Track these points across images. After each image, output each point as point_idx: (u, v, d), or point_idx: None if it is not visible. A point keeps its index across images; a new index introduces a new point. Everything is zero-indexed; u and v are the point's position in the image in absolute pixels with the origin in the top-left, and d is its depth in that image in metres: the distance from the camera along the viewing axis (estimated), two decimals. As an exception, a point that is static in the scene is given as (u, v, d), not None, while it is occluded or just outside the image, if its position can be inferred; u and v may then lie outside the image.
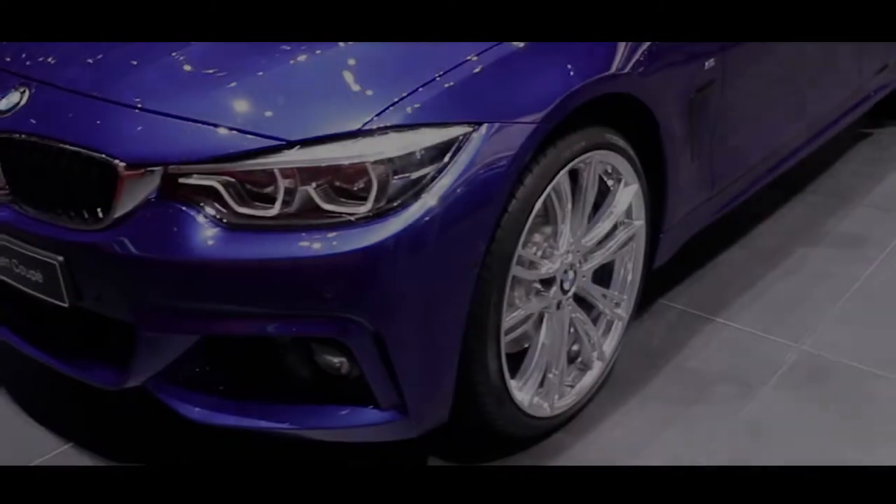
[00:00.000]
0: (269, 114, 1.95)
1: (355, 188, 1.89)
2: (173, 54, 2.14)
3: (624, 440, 2.35)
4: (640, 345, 2.69)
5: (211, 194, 1.94)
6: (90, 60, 2.22)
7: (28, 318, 2.34)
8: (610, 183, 2.36)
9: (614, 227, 2.39)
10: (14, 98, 2.17)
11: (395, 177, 1.88)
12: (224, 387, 2.08)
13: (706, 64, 2.53)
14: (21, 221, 2.13)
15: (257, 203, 1.92)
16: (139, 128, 1.99)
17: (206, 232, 1.92)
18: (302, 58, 2.08)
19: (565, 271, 2.26)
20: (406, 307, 1.91)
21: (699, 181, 2.68)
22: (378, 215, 1.87)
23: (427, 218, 1.88)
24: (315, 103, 1.97)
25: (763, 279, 3.06)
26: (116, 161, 1.95)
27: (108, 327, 2.12)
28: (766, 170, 3.11)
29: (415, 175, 1.89)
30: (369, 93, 1.96)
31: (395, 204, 1.88)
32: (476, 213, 1.95)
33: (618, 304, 2.49)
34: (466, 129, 1.94)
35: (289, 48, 2.10)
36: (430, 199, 1.89)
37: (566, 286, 2.28)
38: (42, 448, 2.36)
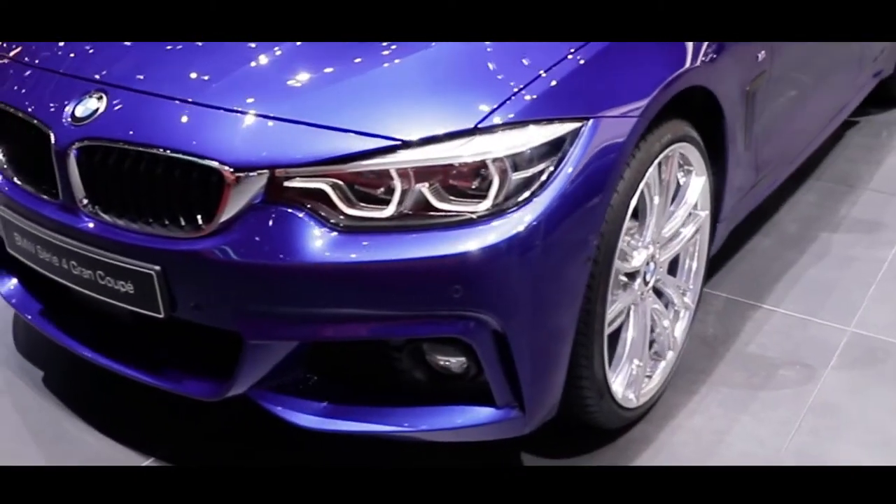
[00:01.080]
0: (380, 114, 1.93)
1: (473, 186, 1.89)
2: (264, 55, 2.10)
3: (706, 427, 2.39)
4: (697, 334, 2.74)
5: (318, 197, 1.91)
6: (168, 62, 2.16)
7: (104, 331, 2.28)
8: (682, 175, 2.40)
9: (685, 218, 2.44)
10: (91, 104, 2.10)
11: (514, 173, 1.88)
12: (331, 392, 2.05)
13: (759, 56, 2.59)
14: (107, 231, 2.06)
15: (368, 204, 1.91)
16: (245, 131, 1.94)
17: (317, 235, 1.89)
18: (401, 57, 2.05)
19: (647, 263, 2.29)
20: (529, 302, 1.91)
21: (748, 170, 2.74)
22: (500, 212, 1.87)
23: (548, 213, 1.88)
24: (424, 102, 1.95)
25: (795, 265, 3.15)
26: (223, 166, 1.90)
27: (207, 337, 2.08)
28: (797, 157, 3.21)
29: (532, 171, 1.89)
30: (479, 91, 1.95)
31: (516, 200, 1.88)
32: (589, 208, 1.96)
33: (685, 294, 2.53)
34: (576, 124, 1.95)
35: (384, 47, 2.08)
36: (549, 195, 1.89)
37: (648, 277, 2.31)
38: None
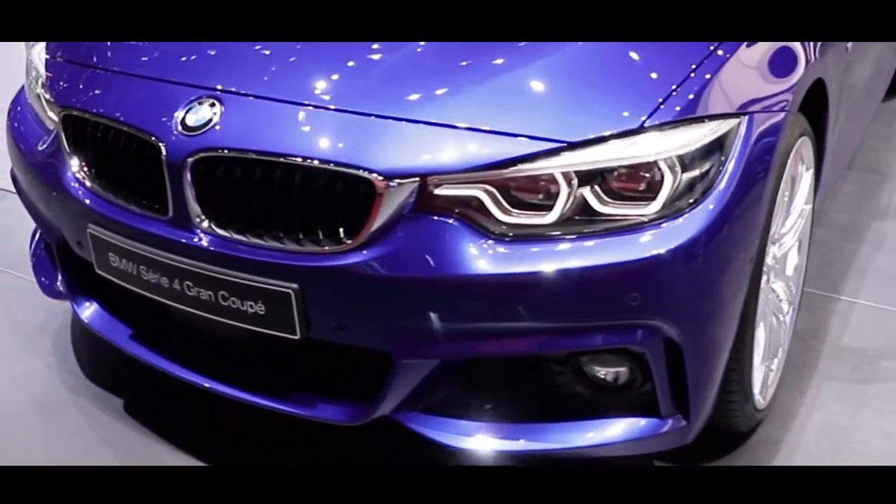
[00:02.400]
0: (537, 115, 1.82)
1: (641, 188, 1.79)
2: (389, 56, 1.97)
3: (830, 424, 2.34)
4: (789, 329, 2.70)
5: (471, 204, 1.80)
6: (282, 65, 2.02)
7: (214, 354, 2.12)
8: (800, 168, 2.35)
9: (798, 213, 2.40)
10: (204, 113, 1.94)
11: (684, 173, 1.79)
12: (482, 410, 1.93)
13: (847, 46, 2.56)
14: (231, 248, 1.90)
15: (525, 211, 1.80)
16: (394, 137, 1.82)
17: (475, 245, 1.78)
18: (541, 57, 1.94)
19: (772, 258, 2.24)
20: (702, 306, 1.83)
21: (833, 160, 2.72)
22: (672, 214, 1.78)
23: (719, 213, 1.80)
24: (579, 102, 1.85)
25: (858, 254, 3.13)
26: (373, 175, 1.78)
27: (344, 358, 1.94)
28: (856, 148, 3.20)
29: (699, 171, 1.81)
30: (636, 89, 1.86)
31: (687, 201, 1.79)
32: (752, 206, 1.88)
33: (791, 289, 2.49)
34: (734, 120, 1.87)
35: (518, 47, 1.97)
36: (717, 194, 1.81)
37: (770, 275, 2.25)
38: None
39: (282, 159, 1.84)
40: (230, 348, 2.10)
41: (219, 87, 1.98)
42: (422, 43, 2.00)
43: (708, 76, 1.88)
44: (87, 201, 2.11)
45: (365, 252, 1.80)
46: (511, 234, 1.79)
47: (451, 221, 1.80)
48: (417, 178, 1.78)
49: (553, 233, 1.79)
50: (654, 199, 1.78)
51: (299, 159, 1.82)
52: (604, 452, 1.94)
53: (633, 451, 1.97)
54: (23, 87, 2.62)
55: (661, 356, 1.83)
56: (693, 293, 1.80)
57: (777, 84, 2.00)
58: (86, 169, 2.14)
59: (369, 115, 1.85)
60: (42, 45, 2.49)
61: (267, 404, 2.01)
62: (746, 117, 1.89)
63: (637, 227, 1.78)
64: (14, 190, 2.56)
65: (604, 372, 1.90)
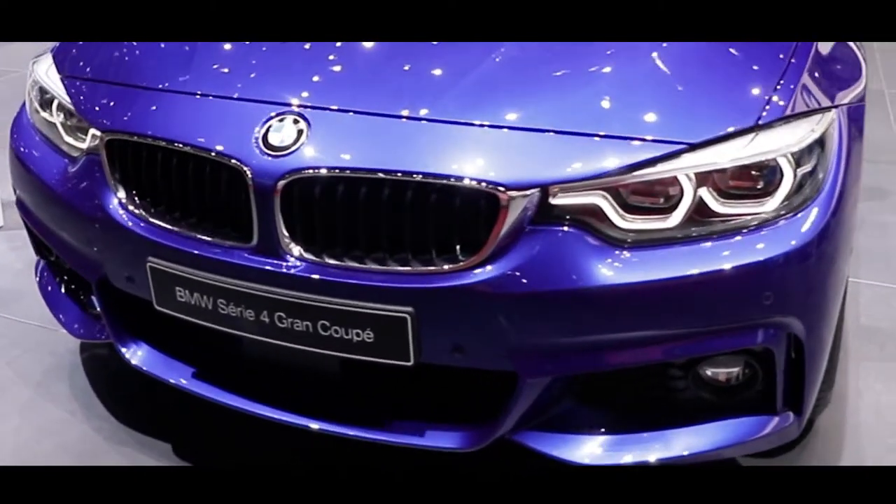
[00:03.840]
0: (652, 117, 1.78)
1: (759, 186, 1.78)
2: (476, 60, 1.89)
3: (880, 402, 2.38)
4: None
5: (590, 211, 1.74)
6: (362, 75, 1.91)
7: (296, 388, 1.98)
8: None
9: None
10: (288, 131, 1.81)
11: (798, 169, 1.79)
12: (601, 422, 1.88)
13: None
14: (330, 274, 1.78)
15: (644, 215, 1.76)
16: (512, 147, 1.74)
17: (600, 254, 1.72)
18: (636, 59, 1.91)
19: None
20: (824, 300, 1.83)
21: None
22: (791, 211, 1.77)
23: (832, 207, 1.81)
24: (692, 102, 1.82)
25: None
26: (496, 188, 1.70)
27: (455, 381, 1.85)
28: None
29: (809, 165, 1.81)
30: (744, 86, 1.85)
31: (803, 197, 1.79)
32: (852, 197, 1.90)
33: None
34: (832, 113, 1.88)
35: (604, 48, 1.93)
36: (828, 188, 1.81)
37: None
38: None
39: (388, 176, 1.74)
40: (317, 380, 1.97)
41: (298, 101, 1.86)
42: (500, 49, 1.94)
43: (802, 70, 1.90)
44: (144, 233, 1.94)
45: (488, 269, 1.72)
46: (630, 239, 1.75)
47: (572, 231, 1.73)
48: (539, 189, 1.72)
49: (675, 236, 1.76)
50: (771, 196, 1.77)
51: (414, 175, 1.72)
52: (723, 455, 1.92)
53: (749, 450, 1.96)
54: (22, 110, 2.39)
55: (784, 353, 1.82)
56: (815, 287, 1.80)
57: (850, 77, 2.04)
58: (138, 198, 1.97)
59: (481, 125, 1.77)
60: (47, 63, 2.28)
61: (368, 437, 1.89)
62: (837, 110, 1.91)
63: (758, 226, 1.76)
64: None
65: (721, 373, 1.88)
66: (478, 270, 1.73)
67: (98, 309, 2.17)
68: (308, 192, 1.78)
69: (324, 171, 1.76)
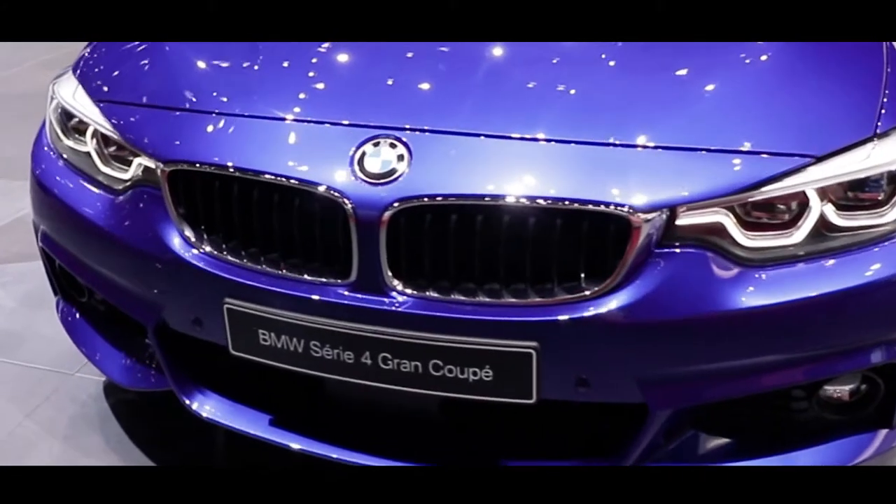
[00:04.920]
0: (771, 130, 1.70)
1: (879, 197, 1.71)
2: (573, 78, 1.79)
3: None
4: None
5: (714, 230, 1.65)
6: (456, 93, 1.78)
7: (393, 433, 1.84)
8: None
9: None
10: (387, 157, 1.67)
11: None
12: (720, 447, 1.79)
13: None
14: (442, 310, 1.64)
15: (766, 232, 1.68)
16: (638, 167, 1.64)
17: (731, 275, 1.64)
18: (730, 67, 1.84)
19: None
20: None
21: None
22: None
23: None
24: (806, 113, 1.75)
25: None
26: (627, 210, 1.59)
27: (580, 415, 1.74)
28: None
29: None
30: (854, 95, 1.79)
31: None
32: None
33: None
34: None
35: (689, 57, 1.86)
36: None
37: None
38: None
39: (506, 203, 1.62)
40: (412, 422, 1.84)
41: (393, 124, 1.72)
42: (588, 59, 1.85)
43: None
44: (219, 272, 1.77)
45: (618, 297, 1.62)
46: (755, 258, 1.67)
47: (698, 252, 1.64)
48: (667, 210, 1.62)
49: (798, 253, 1.68)
50: (890, 206, 1.72)
51: (537, 201, 1.60)
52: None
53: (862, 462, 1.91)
54: (42, 135, 2.17)
55: None
56: None
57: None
58: (209, 234, 1.80)
59: (599, 143, 1.67)
60: (72, 85, 2.07)
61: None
62: None
63: (881, 238, 1.70)
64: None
65: (842, 391, 1.82)
66: (607, 299, 1.62)
67: (154, 355, 1.98)
68: (416, 222, 1.65)
69: (436, 200, 1.63)
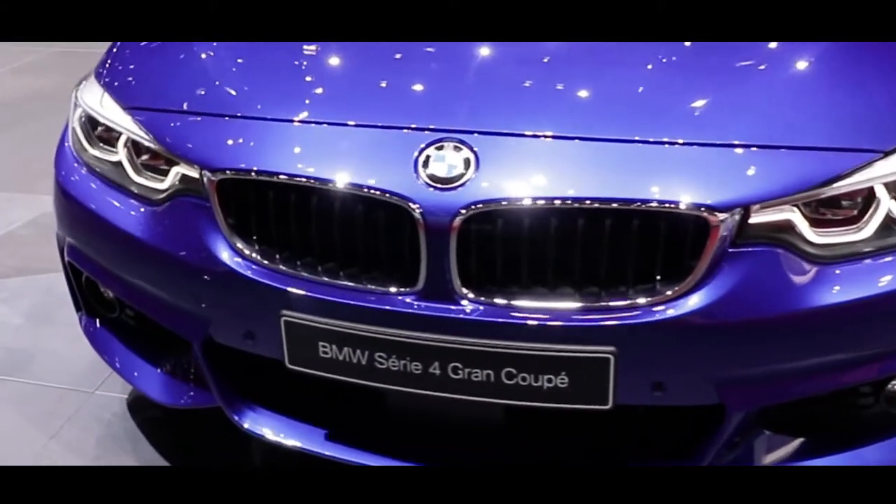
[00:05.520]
0: (839, 126, 1.68)
1: None
2: (632, 76, 1.77)
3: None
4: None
5: (785, 228, 1.63)
6: (512, 93, 1.74)
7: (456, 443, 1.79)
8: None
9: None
10: (454, 161, 1.62)
11: None
12: (791, 447, 1.77)
13: None
14: (515, 316, 1.60)
15: (833, 228, 1.66)
16: (712, 165, 1.61)
17: (806, 272, 1.62)
18: (785, 61, 1.83)
19: None
20: None
21: None
22: None
23: None
24: (867, 107, 1.73)
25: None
26: (705, 210, 1.56)
27: (651, 418, 1.71)
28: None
29: None
30: None
31: None
32: None
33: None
34: None
35: (753, 52, 1.84)
36: None
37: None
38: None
39: (580, 205, 1.57)
40: (476, 430, 1.79)
41: (455, 126, 1.67)
42: (645, 58, 1.81)
43: None
44: (275, 283, 1.70)
45: (696, 298, 1.58)
46: (824, 254, 1.65)
47: (770, 250, 1.62)
48: (741, 209, 1.60)
49: (864, 249, 1.67)
50: None
51: (612, 203, 1.57)
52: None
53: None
54: (64, 144, 2.08)
55: None
56: None
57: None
58: (261, 244, 1.73)
59: (671, 143, 1.64)
60: (97, 92, 1.98)
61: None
62: None
63: None
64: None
65: (903, 386, 1.82)
66: (685, 300, 1.59)
67: (195, 371, 1.91)
68: (488, 227, 1.60)
69: (508, 204, 1.59)
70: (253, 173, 1.70)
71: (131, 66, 2.05)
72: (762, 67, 1.83)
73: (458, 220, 1.59)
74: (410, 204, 1.60)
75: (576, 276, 1.61)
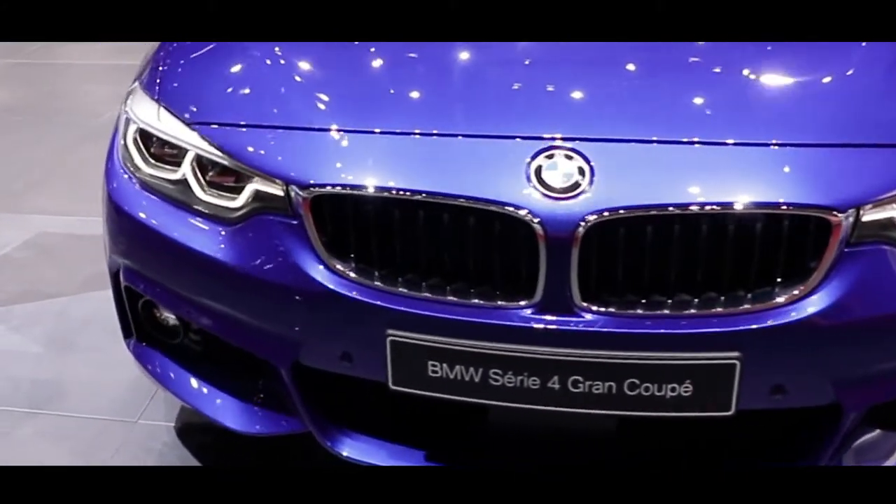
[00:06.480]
0: None
1: None
2: (710, 75, 1.76)
3: None
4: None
5: (889, 225, 1.63)
6: (610, 96, 1.71)
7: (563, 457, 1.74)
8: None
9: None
10: (567, 169, 1.58)
11: None
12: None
13: None
14: (637, 325, 1.57)
15: None
16: (829, 165, 1.61)
17: None
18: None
19: None
20: None
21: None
22: None
23: None
24: None
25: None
26: (827, 210, 1.55)
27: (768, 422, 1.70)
28: None
29: None
30: None
31: None
32: None
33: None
34: None
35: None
36: None
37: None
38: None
39: (703, 210, 1.55)
40: (584, 441, 1.75)
41: (562, 133, 1.62)
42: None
43: None
44: (380, 302, 1.63)
45: (818, 299, 1.57)
46: None
47: (879, 247, 1.61)
48: (856, 208, 1.59)
49: None
50: None
51: (734, 206, 1.54)
52: None
53: None
54: (114, 165, 1.96)
55: None
56: None
57: None
58: (357, 262, 1.66)
59: (781, 144, 1.62)
60: (153, 107, 1.87)
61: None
62: None
63: None
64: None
65: None
66: (807, 302, 1.58)
67: (283, 396, 1.81)
68: (609, 236, 1.56)
69: (630, 211, 1.55)
70: (349, 189, 1.63)
71: (187, 78, 1.94)
72: (840, 70, 1.83)
73: (580, 231, 1.55)
74: (529, 215, 1.55)
75: (696, 281, 1.59)
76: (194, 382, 1.95)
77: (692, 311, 1.58)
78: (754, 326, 1.57)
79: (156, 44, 2.16)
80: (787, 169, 1.60)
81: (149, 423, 2.23)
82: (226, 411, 1.90)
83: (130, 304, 1.98)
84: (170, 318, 1.97)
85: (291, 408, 1.81)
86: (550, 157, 1.61)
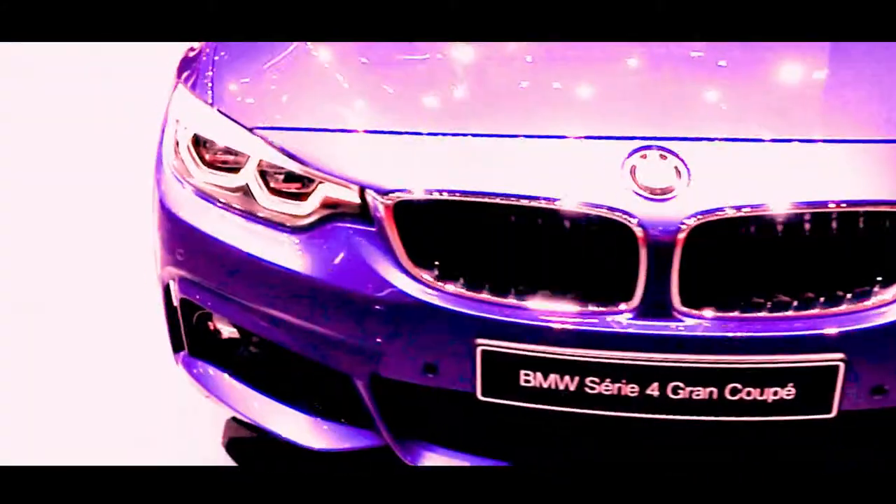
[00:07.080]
0: None
1: None
2: (817, 69, 1.74)
3: None
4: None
5: None
6: (704, 99, 1.67)
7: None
8: None
9: None
10: (663, 170, 1.53)
11: None
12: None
13: None
14: (739, 328, 1.53)
15: None
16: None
17: None
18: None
19: None
20: None
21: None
22: None
23: None
24: None
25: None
26: (931, 207, 1.52)
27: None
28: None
29: None
30: None
31: None
32: None
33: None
34: None
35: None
36: None
37: None
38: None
39: (805, 209, 1.51)
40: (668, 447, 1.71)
41: (655, 134, 1.58)
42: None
43: None
44: (469, 310, 1.57)
45: None
46: None
47: None
48: None
49: None
50: None
51: (829, 205, 1.51)
52: None
53: None
54: (163, 172, 1.86)
55: None
56: None
57: None
58: (444, 268, 1.59)
59: (874, 141, 1.62)
60: (207, 111, 1.78)
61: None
62: None
63: None
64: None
65: None
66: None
67: (358, 410, 1.74)
68: (711, 238, 1.51)
69: (733, 213, 1.50)
70: (436, 194, 1.57)
71: (243, 81, 1.85)
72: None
73: (682, 233, 1.50)
74: (628, 218, 1.50)
75: (793, 282, 1.55)
76: (255, 397, 1.87)
77: (792, 312, 1.55)
78: (859, 326, 1.54)
79: (193, 44, 2.08)
80: (882, 165, 1.57)
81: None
82: (295, 428, 1.82)
83: (185, 316, 1.90)
84: (226, 330, 1.89)
85: (366, 422, 1.75)
86: (645, 157, 1.56)
